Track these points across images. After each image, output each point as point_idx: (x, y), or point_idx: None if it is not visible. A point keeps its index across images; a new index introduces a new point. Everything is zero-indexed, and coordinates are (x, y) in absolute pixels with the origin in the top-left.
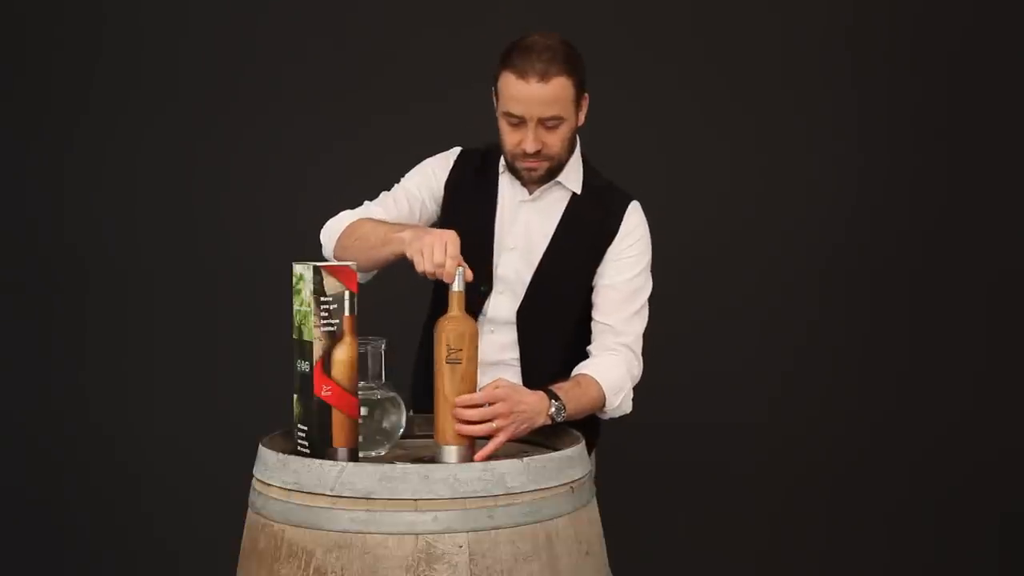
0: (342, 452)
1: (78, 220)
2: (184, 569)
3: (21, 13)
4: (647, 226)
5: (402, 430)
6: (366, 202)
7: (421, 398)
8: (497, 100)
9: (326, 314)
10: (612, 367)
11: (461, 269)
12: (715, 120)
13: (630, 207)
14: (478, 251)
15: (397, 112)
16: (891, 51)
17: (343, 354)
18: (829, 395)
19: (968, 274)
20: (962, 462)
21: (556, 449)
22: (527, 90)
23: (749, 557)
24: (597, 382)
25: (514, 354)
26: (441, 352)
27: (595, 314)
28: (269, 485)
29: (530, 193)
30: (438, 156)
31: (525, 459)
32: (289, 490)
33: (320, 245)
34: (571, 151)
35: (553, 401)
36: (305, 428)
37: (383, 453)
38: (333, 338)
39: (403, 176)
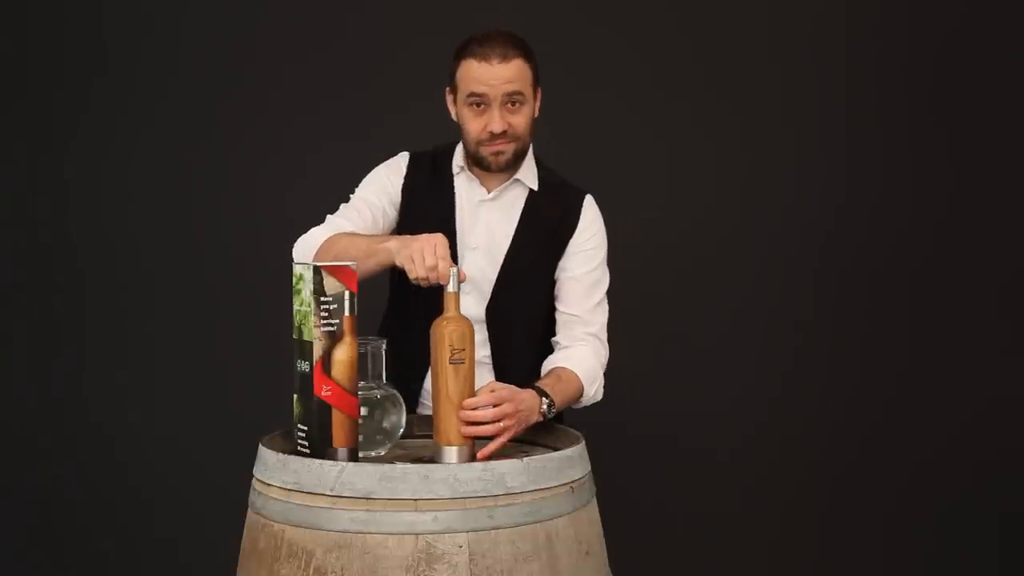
0: (342, 452)
1: (78, 220)
2: (184, 569)
3: (22, 14)
4: (602, 220)
5: (402, 430)
6: (329, 216)
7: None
8: (456, 93)
9: (326, 314)
10: (585, 358)
11: (455, 270)
12: (715, 120)
13: (586, 201)
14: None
15: (398, 112)
16: (883, 49)
17: (343, 354)
18: (829, 395)
19: (969, 274)
20: (962, 462)
21: (556, 449)
22: (490, 70)
23: (749, 557)
24: (576, 374)
25: (485, 352)
26: (443, 353)
27: (560, 306)
28: (269, 485)
29: (488, 192)
30: (388, 163)
31: (525, 459)
32: (289, 490)
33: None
34: (530, 139)
35: (544, 399)
36: (305, 428)
37: (383, 453)
38: (333, 338)
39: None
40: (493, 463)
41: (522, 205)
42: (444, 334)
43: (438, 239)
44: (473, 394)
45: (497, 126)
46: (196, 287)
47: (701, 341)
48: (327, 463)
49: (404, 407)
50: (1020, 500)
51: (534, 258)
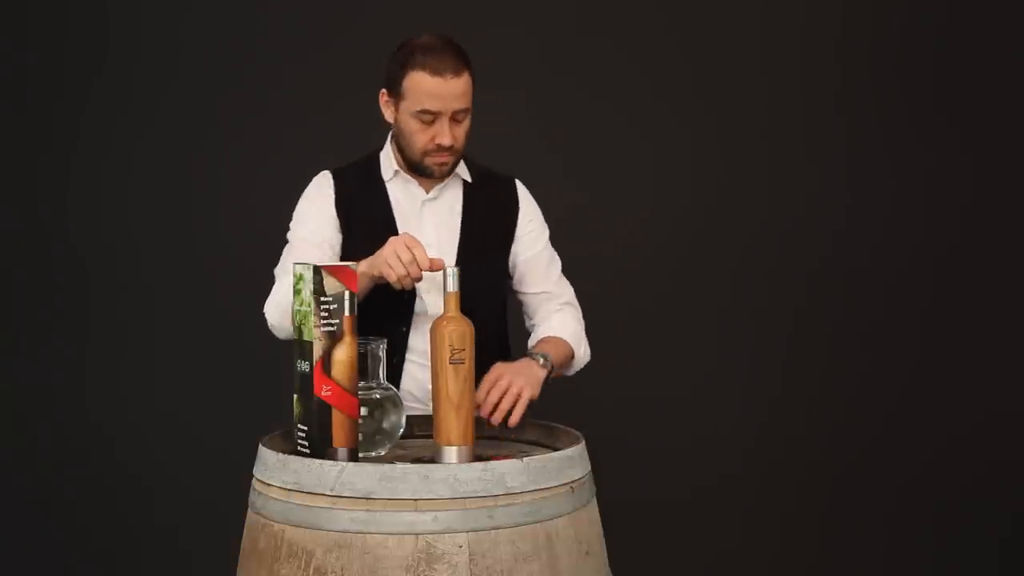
0: (342, 452)
1: (78, 220)
2: (184, 569)
3: (23, 15)
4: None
5: (402, 430)
6: (279, 273)
7: None
8: (400, 101)
9: (326, 314)
10: (565, 323)
11: (455, 270)
12: (716, 121)
13: (518, 185)
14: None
15: None
16: (878, 49)
17: (343, 354)
18: (830, 395)
19: (970, 274)
20: (963, 463)
21: (556, 449)
22: (444, 86)
23: (749, 557)
24: (561, 338)
25: None
26: (444, 353)
27: (526, 288)
28: (269, 485)
29: (428, 191)
30: (311, 190)
31: (525, 459)
32: (289, 490)
33: (266, 327)
34: None
35: (537, 357)
36: (305, 428)
37: (383, 453)
38: (333, 338)
39: (292, 228)
40: (493, 463)
41: (461, 199)
42: (444, 334)
43: (403, 237)
44: (473, 394)
45: (447, 140)
46: (196, 287)
47: (701, 341)
48: (327, 463)
49: (404, 407)
50: (1021, 500)
51: (486, 248)
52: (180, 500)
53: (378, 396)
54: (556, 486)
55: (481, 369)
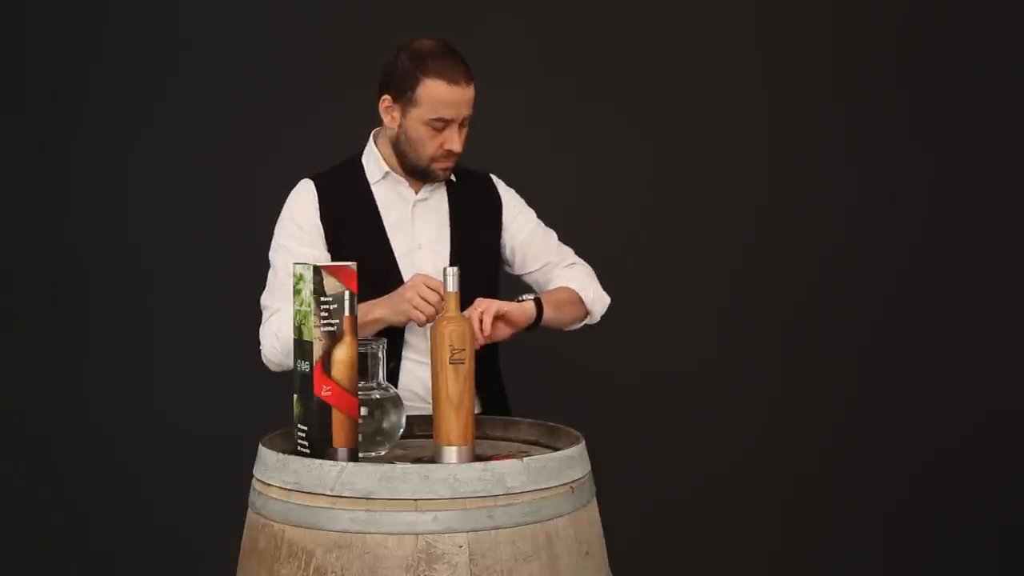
0: (342, 452)
1: (78, 220)
2: (184, 569)
3: (20, 15)
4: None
5: (402, 430)
6: (266, 302)
7: None
8: (410, 108)
9: (326, 314)
10: (570, 276)
11: (455, 270)
12: (715, 121)
13: (494, 178)
14: (379, 262)
15: None
16: (879, 49)
17: (343, 354)
18: (830, 396)
19: (970, 275)
20: (963, 463)
21: (556, 449)
22: (459, 93)
23: (750, 557)
24: (563, 285)
25: None
26: (444, 353)
27: (530, 267)
28: (269, 485)
29: (416, 192)
30: (293, 202)
31: (525, 459)
32: (289, 490)
33: (264, 362)
34: None
35: (522, 298)
36: (305, 428)
37: (383, 453)
38: (333, 338)
39: (275, 249)
40: (493, 463)
41: (446, 197)
42: (444, 334)
43: (417, 278)
44: (473, 394)
45: (458, 147)
46: (196, 287)
47: (701, 341)
48: (327, 463)
49: (404, 407)
50: (1020, 500)
51: (477, 244)
52: (180, 500)
53: (378, 396)
54: (556, 486)
55: (479, 364)
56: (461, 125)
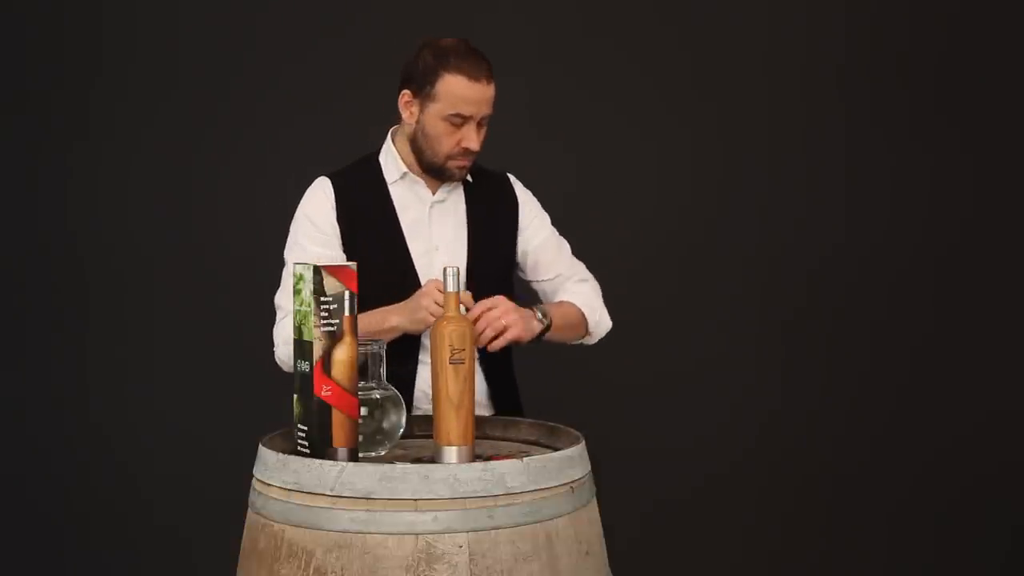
0: (342, 452)
1: (79, 220)
2: (184, 569)
3: (21, 15)
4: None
5: (402, 430)
6: (280, 302)
7: None
8: (429, 103)
9: (326, 314)
10: (579, 292)
11: (456, 269)
12: (716, 121)
13: (512, 178)
14: (396, 263)
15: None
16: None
17: (343, 354)
18: (830, 396)
19: (970, 275)
20: (964, 463)
21: (556, 449)
22: (480, 91)
23: (749, 558)
24: (571, 302)
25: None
26: (444, 353)
27: (543, 275)
28: (269, 485)
29: (434, 193)
30: (309, 201)
31: (525, 459)
32: (289, 490)
33: (266, 328)
34: None
35: (536, 310)
36: (305, 428)
37: (383, 453)
38: (333, 338)
39: (291, 247)
40: (493, 463)
41: (463, 198)
42: (444, 334)
43: (431, 285)
44: (473, 394)
45: (475, 144)
46: (196, 287)
47: (701, 341)
48: (327, 463)
49: (404, 407)
50: (1020, 500)
51: (493, 244)
52: (180, 500)
53: (378, 396)
54: (556, 486)
55: (493, 366)
56: (479, 124)
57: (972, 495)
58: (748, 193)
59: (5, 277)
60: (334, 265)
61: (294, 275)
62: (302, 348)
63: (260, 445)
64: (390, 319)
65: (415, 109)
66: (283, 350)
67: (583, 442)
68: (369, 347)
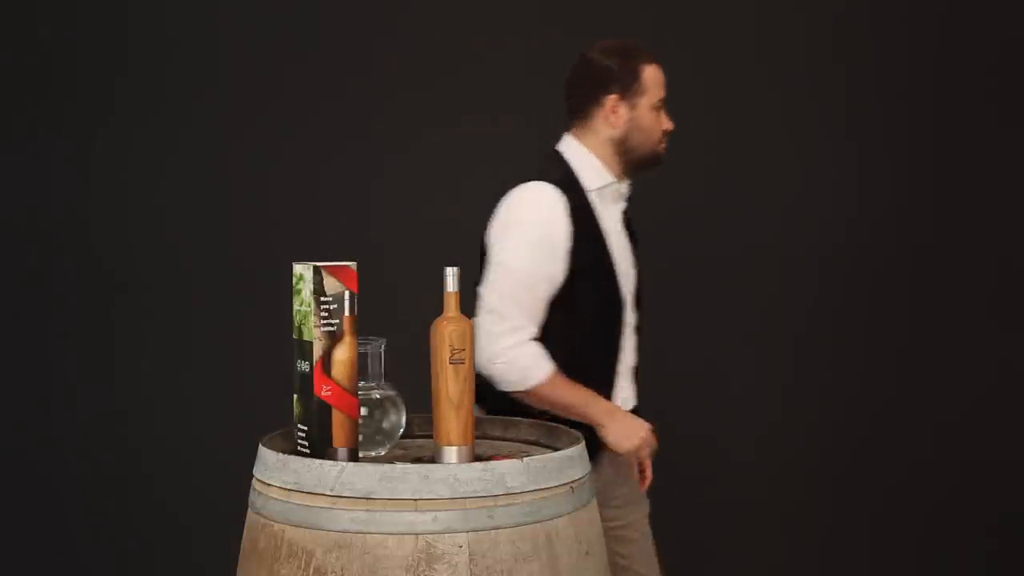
0: (342, 452)
1: (80, 221)
2: (184, 569)
3: (37, 18)
4: None
5: (402, 430)
6: (507, 312)
7: None
8: (638, 98)
9: (326, 314)
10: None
11: (455, 270)
12: (717, 121)
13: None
14: (604, 274)
15: (399, 112)
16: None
17: (343, 354)
18: (831, 396)
19: (969, 275)
20: (965, 464)
21: (556, 449)
22: (662, 73)
23: (750, 557)
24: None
25: (632, 360)
26: (443, 353)
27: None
28: (269, 485)
29: (616, 202)
30: (547, 213)
31: (525, 459)
32: (289, 490)
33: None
34: None
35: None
36: (305, 428)
37: (383, 453)
38: (333, 338)
39: (519, 257)
40: (493, 463)
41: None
42: (444, 334)
43: (649, 433)
44: (473, 394)
45: (672, 124)
46: (196, 287)
47: (701, 341)
48: (327, 463)
49: (404, 407)
50: (1016, 500)
51: (638, 257)
52: (180, 500)
53: (378, 396)
54: (556, 486)
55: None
56: None
57: (973, 495)
58: (748, 193)
59: (5, 277)
60: (334, 265)
61: (294, 275)
62: (302, 348)
63: (260, 445)
64: (594, 415)
65: (622, 111)
66: (529, 363)
67: (583, 442)
68: (369, 347)
